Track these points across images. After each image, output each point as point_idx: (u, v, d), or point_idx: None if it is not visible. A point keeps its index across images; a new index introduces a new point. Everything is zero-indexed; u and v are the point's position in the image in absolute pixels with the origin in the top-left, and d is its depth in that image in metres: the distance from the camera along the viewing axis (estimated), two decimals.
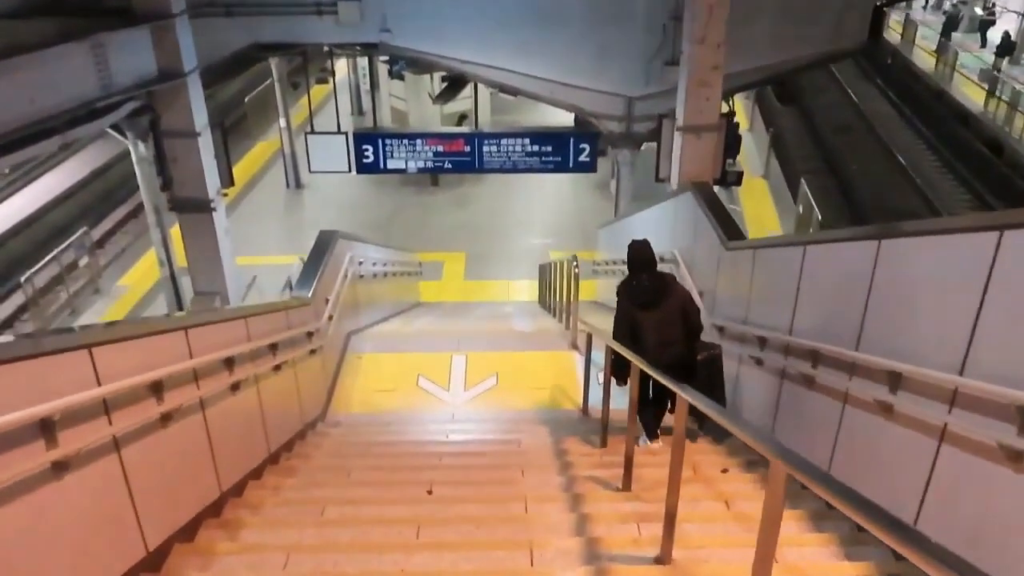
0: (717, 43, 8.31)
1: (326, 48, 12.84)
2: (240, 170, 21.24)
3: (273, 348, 5.12)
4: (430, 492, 4.42)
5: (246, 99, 23.54)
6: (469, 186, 19.88)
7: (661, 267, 7.78)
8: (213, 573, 3.31)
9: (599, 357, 7.11)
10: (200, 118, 9.12)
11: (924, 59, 25.65)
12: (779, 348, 4.81)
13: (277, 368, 5.23)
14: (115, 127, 9.99)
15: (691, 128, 8.76)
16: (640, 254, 5.22)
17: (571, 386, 7.08)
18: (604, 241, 14.00)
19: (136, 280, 15.80)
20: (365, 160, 12.80)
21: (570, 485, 4.52)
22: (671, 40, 11.36)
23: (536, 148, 12.50)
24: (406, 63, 20.65)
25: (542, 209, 18.87)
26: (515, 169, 12.82)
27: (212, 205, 9.43)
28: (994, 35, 25.20)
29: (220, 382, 4.14)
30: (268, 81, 20.63)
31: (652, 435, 5.56)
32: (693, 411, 3.29)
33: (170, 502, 3.60)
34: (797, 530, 3.78)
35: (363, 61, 24.09)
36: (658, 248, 7.01)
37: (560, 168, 12.71)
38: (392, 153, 12.68)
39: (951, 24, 26.72)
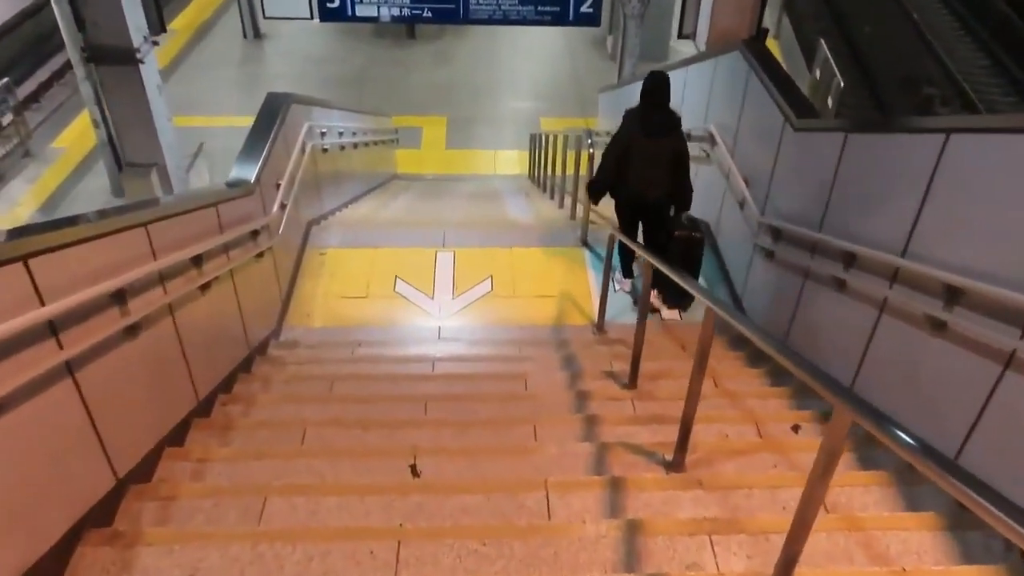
0: None
1: None
2: (189, 14, 18.78)
3: (197, 261, 3.77)
4: (415, 472, 3.24)
5: None
6: (450, 40, 17.74)
7: (691, 146, 6.38)
8: None
9: (623, 265, 5.86)
10: None
11: None
12: (882, 272, 3.55)
13: (206, 287, 3.89)
14: None
15: None
16: (660, 86, 5.06)
17: (581, 293, 5.84)
18: (605, 108, 12.36)
19: (73, 141, 13.95)
20: (329, 4, 10.78)
21: (602, 460, 3.37)
22: None
23: None
24: None
25: (531, 68, 16.93)
26: (506, 20, 10.91)
27: (138, 56, 7.66)
28: None
29: (104, 328, 2.81)
30: None
31: (628, 273, 5.89)
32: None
33: (25, 522, 2.38)
34: None
35: None
36: (685, 122, 5.63)
37: (558, 20, 10.83)
38: None
39: None
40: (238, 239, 4.43)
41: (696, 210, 6.52)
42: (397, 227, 6.99)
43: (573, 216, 7.17)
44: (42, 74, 15.64)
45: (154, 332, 3.30)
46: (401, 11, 10.84)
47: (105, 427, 2.85)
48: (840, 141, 3.91)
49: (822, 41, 14.68)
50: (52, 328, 2.53)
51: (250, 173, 4.80)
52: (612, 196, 5.53)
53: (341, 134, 7.80)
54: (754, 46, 5.33)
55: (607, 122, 11.97)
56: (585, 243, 6.37)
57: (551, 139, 9.69)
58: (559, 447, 3.46)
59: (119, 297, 2.95)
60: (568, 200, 7.83)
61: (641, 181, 5.18)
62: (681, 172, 5.19)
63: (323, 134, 6.90)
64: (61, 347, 2.57)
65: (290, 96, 5.79)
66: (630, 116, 5.19)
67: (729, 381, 4.39)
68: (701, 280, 5.97)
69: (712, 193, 6.21)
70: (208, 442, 3.57)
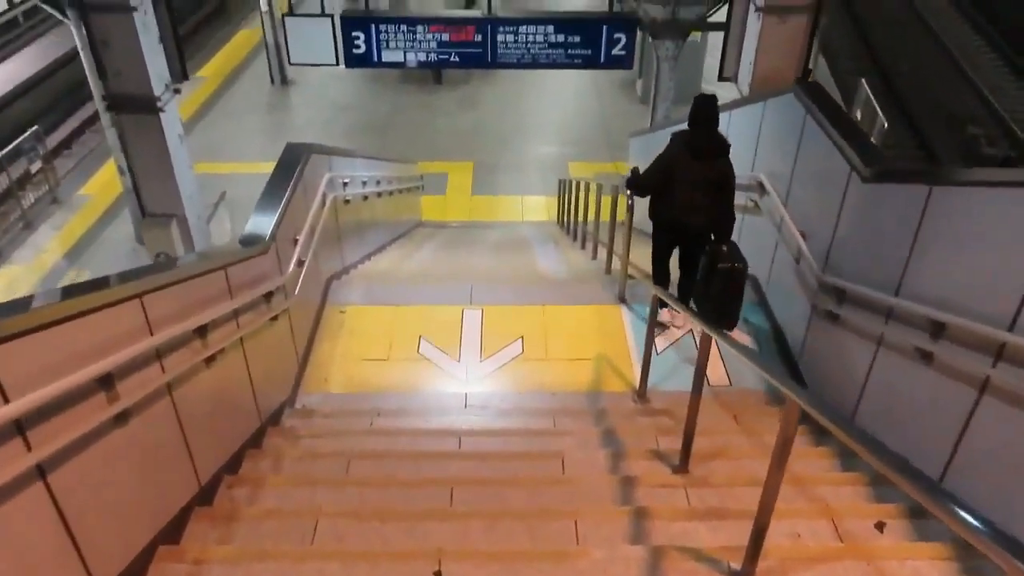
0: None
1: None
2: (219, 62, 18.95)
3: (202, 332, 3.41)
4: None
5: None
6: (477, 84, 17.64)
7: (738, 196, 6.00)
8: None
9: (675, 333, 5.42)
10: None
11: None
12: (982, 347, 3.07)
13: (211, 360, 3.52)
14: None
15: (774, 8, 6.71)
16: (708, 106, 4.90)
17: (620, 356, 5.39)
18: (636, 152, 12.02)
19: (101, 188, 13.94)
20: (356, 51, 10.63)
21: (656, 569, 2.88)
22: None
23: (561, 38, 10.31)
24: None
25: (559, 112, 16.72)
26: (535, 64, 10.66)
27: (159, 104, 7.48)
28: None
29: (87, 419, 2.43)
30: None
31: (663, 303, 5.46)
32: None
33: None
34: None
35: None
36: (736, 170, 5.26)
37: (589, 63, 10.55)
38: (388, 42, 10.51)
39: None
40: (250, 303, 4.08)
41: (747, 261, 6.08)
42: (421, 282, 6.61)
43: (608, 270, 6.75)
44: (74, 121, 15.83)
45: (149, 415, 2.92)
46: (428, 56, 10.65)
47: (85, 533, 2.46)
48: (923, 195, 3.47)
49: (863, 81, 14.31)
50: (18, 427, 2.15)
51: (265, 230, 4.46)
52: (651, 218, 5.38)
53: (364, 183, 7.52)
54: (810, 87, 4.95)
55: (640, 166, 11.61)
56: (623, 300, 5.93)
57: (581, 185, 9.35)
58: (606, 551, 2.98)
59: (106, 382, 2.58)
60: (602, 251, 7.42)
61: (683, 207, 5.01)
62: (726, 198, 4.98)
63: (345, 184, 6.60)
64: (30, 448, 2.19)
65: (310, 147, 5.50)
66: (677, 137, 5.04)
67: (794, 462, 3.88)
68: (749, 339, 5.51)
69: (762, 246, 5.77)
70: (207, 537, 3.15)
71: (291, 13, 10.71)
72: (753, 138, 5.95)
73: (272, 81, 17.80)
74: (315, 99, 17.26)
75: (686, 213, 5.03)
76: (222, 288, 3.76)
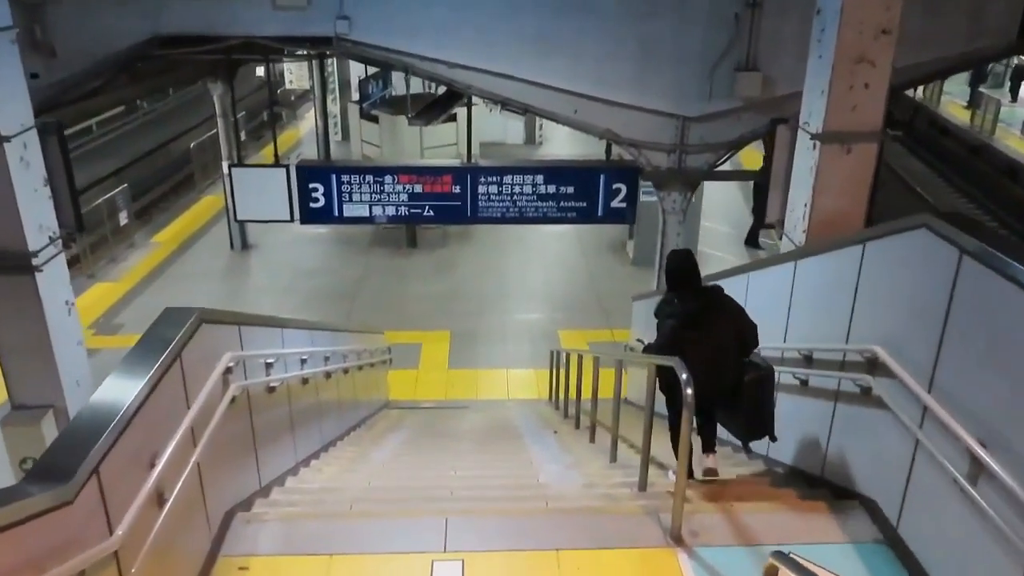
0: None
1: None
2: (178, 227, 17.67)
3: None
4: None
5: (192, 145, 20.21)
6: (454, 246, 16.33)
7: (830, 380, 4.19)
8: None
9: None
10: (16, 111, 5.47)
11: (954, 112, 23.32)
12: None
13: None
14: None
15: (835, 135, 5.28)
16: (681, 264, 4.45)
17: None
18: (640, 318, 10.38)
19: None
20: (313, 204, 9.18)
21: None
22: (746, 35, 8.06)
23: (552, 189, 8.97)
24: (380, 100, 17.46)
25: (544, 276, 15.30)
26: (522, 219, 9.26)
27: (35, 261, 5.68)
28: None
29: None
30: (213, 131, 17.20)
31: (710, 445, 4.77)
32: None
33: None
34: None
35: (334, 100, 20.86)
36: (796, 340, 3.46)
37: (585, 217, 9.17)
38: (351, 195, 9.08)
39: (978, 76, 24.56)
40: None
41: (844, 473, 4.19)
42: (372, 512, 4.48)
43: (643, 486, 4.67)
44: None
45: None
46: (398, 210, 9.21)
47: None
48: None
49: None
50: None
51: (73, 460, 2.49)
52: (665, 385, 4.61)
53: (304, 361, 5.61)
54: (960, 221, 3.29)
55: (645, 333, 9.92)
56: (678, 540, 3.85)
57: (584, 358, 7.53)
58: None
59: None
60: (626, 451, 5.45)
61: (709, 378, 4.17)
62: (748, 341, 4.38)
63: (269, 365, 4.69)
64: None
65: (199, 314, 3.63)
66: (665, 311, 4.48)
67: None
68: None
69: (885, 453, 3.87)
70: None
71: (239, 163, 9.35)
72: (846, 296, 4.21)
73: (232, 245, 16.42)
74: (275, 264, 15.81)
75: (712, 385, 4.25)
76: None
